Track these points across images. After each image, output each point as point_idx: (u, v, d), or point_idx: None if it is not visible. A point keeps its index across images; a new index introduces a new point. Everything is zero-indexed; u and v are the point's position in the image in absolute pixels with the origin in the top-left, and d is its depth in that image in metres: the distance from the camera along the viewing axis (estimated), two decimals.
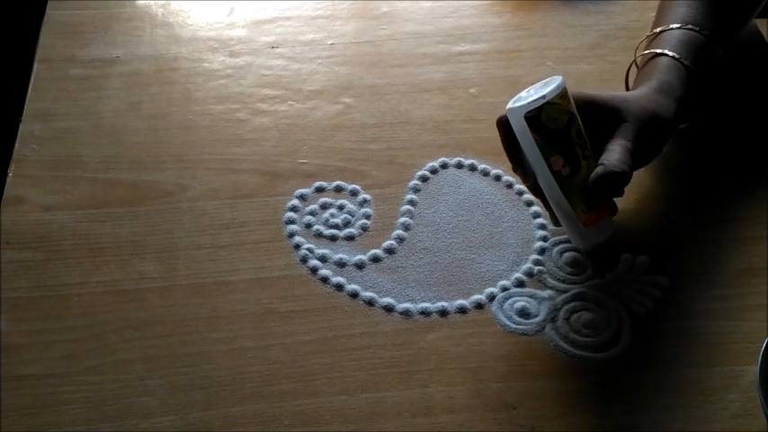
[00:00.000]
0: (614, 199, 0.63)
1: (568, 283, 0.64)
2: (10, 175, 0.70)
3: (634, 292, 0.64)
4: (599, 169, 0.60)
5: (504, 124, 0.61)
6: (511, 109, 0.60)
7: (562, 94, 0.60)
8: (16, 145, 0.72)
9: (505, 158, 0.64)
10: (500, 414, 0.58)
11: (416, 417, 0.58)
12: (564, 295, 0.64)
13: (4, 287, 0.63)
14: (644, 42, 0.71)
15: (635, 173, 0.62)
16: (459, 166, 0.72)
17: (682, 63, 0.66)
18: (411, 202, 0.70)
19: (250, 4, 0.86)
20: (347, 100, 0.77)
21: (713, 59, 0.68)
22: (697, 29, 0.68)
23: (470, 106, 0.76)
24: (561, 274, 0.65)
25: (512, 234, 0.68)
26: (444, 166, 0.72)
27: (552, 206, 0.62)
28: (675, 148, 0.72)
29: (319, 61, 0.81)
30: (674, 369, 0.60)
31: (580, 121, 0.61)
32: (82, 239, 0.66)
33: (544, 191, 0.62)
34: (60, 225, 0.67)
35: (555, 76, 0.61)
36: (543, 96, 0.59)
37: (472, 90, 0.78)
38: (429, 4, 0.86)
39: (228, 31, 0.83)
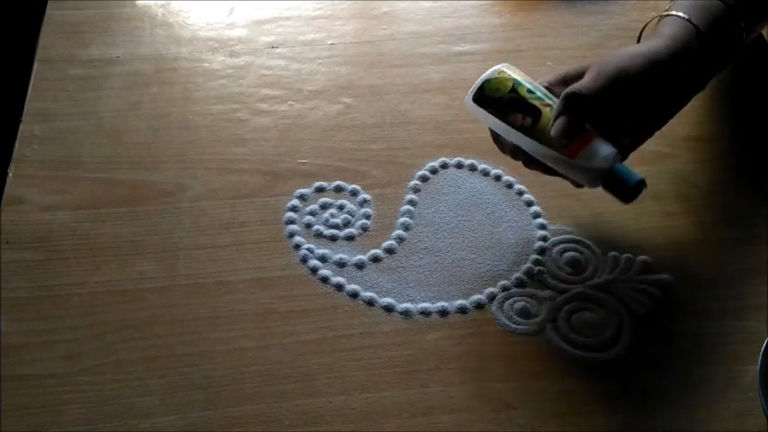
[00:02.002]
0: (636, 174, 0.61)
1: (568, 283, 0.64)
2: (10, 175, 0.70)
3: (634, 292, 0.64)
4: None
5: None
6: (463, 104, 0.64)
7: (500, 71, 0.64)
8: (16, 145, 0.72)
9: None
10: (500, 414, 0.58)
11: (416, 417, 0.57)
12: (564, 295, 0.64)
13: (4, 287, 0.63)
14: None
15: (642, 171, 0.61)
16: (459, 166, 0.72)
17: (684, 19, 0.63)
18: (411, 202, 0.70)
19: (250, 4, 0.86)
20: (347, 100, 0.77)
21: (731, 29, 0.64)
22: None
23: None
24: (561, 274, 0.65)
25: (512, 234, 0.68)
26: (444, 166, 0.72)
27: (540, 159, 0.62)
28: (675, 148, 0.72)
29: (319, 61, 0.81)
30: (674, 369, 0.60)
31: (532, 82, 0.63)
32: (82, 239, 0.66)
33: (526, 150, 0.62)
34: (60, 225, 0.67)
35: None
36: (480, 80, 0.64)
37: None
38: (429, 4, 0.86)
39: (228, 31, 0.83)
